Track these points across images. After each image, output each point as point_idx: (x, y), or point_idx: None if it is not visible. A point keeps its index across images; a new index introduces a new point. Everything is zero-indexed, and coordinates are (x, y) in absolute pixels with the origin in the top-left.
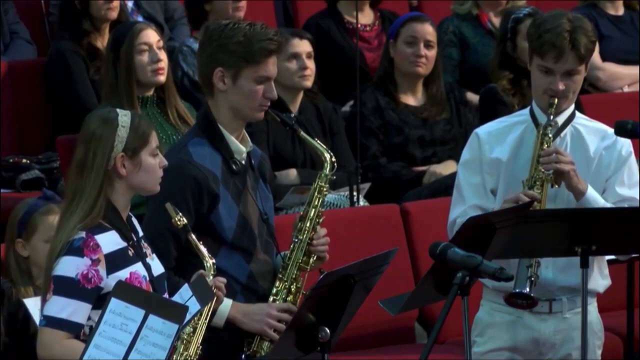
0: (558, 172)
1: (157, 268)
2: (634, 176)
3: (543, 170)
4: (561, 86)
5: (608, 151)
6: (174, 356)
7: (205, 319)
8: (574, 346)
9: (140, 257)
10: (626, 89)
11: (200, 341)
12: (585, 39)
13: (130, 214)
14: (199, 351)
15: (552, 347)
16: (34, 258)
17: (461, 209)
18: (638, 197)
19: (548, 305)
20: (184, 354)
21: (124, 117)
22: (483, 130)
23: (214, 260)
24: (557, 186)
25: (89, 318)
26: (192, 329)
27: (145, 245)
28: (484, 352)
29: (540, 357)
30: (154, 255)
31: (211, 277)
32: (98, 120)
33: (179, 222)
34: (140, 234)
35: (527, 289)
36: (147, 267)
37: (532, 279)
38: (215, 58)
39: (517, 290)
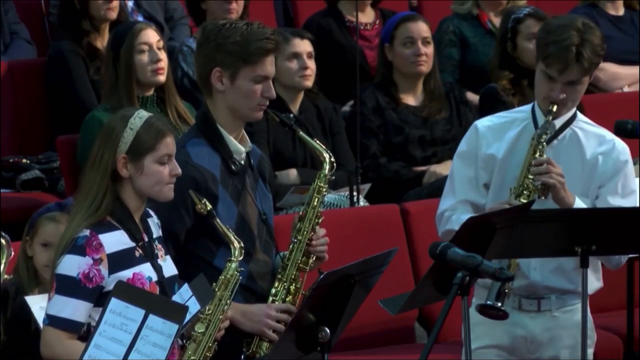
0: (546, 184)
1: (169, 269)
2: (630, 185)
3: (532, 179)
4: (562, 95)
5: (604, 157)
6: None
7: (220, 316)
8: (563, 345)
9: (150, 258)
10: (626, 89)
11: (212, 341)
12: (591, 53)
13: (151, 213)
14: (211, 352)
15: (541, 346)
16: (35, 259)
17: (451, 202)
18: (632, 206)
19: (537, 303)
20: (192, 357)
21: (136, 119)
22: (483, 123)
23: (242, 245)
24: (544, 198)
25: (90, 316)
26: (204, 327)
27: (159, 246)
28: (473, 349)
29: (528, 355)
30: (168, 257)
31: (236, 263)
32: (117, 117)
33: (202, 209)
34: (156, 234)
35: (500, 304)
36: (157, 268)
37: (506, 291)
38: (212, 58)
39: (488, 302)
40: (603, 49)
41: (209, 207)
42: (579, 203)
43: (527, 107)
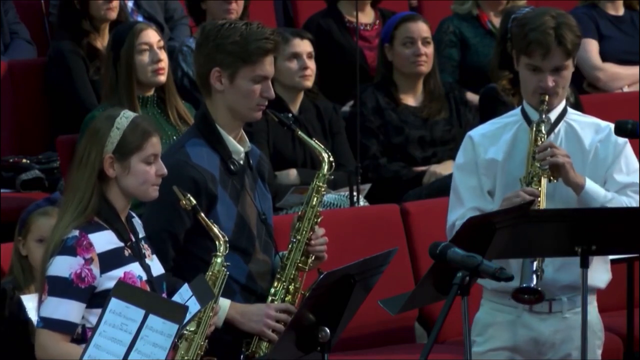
0: (554, 165)
1: (157, 269)
2: (632, 163)
3: (539, 165)
4: (550, 83)
5: (603, 144)
6: (181, 351)
7: (210, 314)
8: (574, 346)
9: (138, 257)
10: (626, 89)
11: (204, 338)
12: (570, 34)
13: (134, 214)
14: (202, 349)
15: (552, 347)
16: (30, 257)
17: (460, 211)
18: (638, 181)
19: (548, 305)
20: (185, 357)
21: (123, 118)
22: (476, 132)
23: (226, 238)
24: (554, 180)
25: (82, 317)
26: (196, 326)
27: (146, 246)
28: (483, 351)
29: (539, 356)
30: (154, 256)
31: (222, 258)
32: (102, 117)
33: (186, 204)
34: (141, 234)
35: (534, 283)
36: (146, 268)
37: (538, 272)
38: (212, 58)
39: (523, 285)
40: (580, 30)
41: (193, 202)
42: (590, 182)
43: (516, 111)
